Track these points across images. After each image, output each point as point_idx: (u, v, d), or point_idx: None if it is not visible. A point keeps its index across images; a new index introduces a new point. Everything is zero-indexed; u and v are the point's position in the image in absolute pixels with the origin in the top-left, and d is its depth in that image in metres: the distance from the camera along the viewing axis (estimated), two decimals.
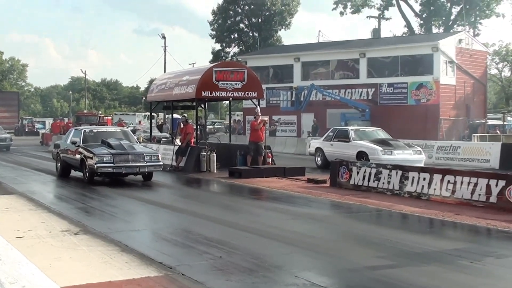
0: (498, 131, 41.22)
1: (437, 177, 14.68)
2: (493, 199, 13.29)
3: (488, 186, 13.43)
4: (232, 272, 8.03)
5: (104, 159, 18.13)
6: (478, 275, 8.07)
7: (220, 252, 9.10)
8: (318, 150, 25.25)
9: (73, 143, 19.72)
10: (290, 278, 7.74)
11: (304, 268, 8.28)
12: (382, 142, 22.83)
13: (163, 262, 8.43)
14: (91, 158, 18.21)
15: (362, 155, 22.12)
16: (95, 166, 18.01)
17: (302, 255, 9.15)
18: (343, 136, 24.13)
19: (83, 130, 20.53)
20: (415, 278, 7.73)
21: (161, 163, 19.20)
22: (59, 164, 21.09)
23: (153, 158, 18.84)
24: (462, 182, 14.02)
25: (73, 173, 20.55)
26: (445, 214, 12.71)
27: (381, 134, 24.55)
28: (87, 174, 18.60)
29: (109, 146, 18.83)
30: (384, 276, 7.83)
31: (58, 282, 6.69)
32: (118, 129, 24.05)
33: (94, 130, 20.91)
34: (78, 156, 19.16)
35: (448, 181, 14.34)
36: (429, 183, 14.82)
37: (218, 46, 73.59)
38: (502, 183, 13.18)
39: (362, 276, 7.91)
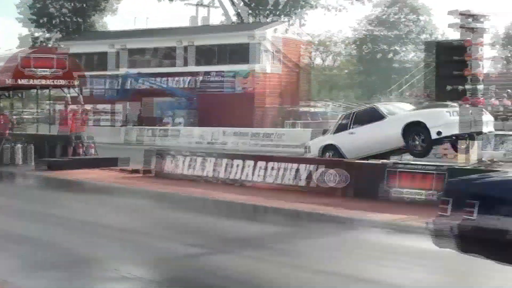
0: (309, 118, 43.35)
1: (249, 163, 15.43)
2: (302, 182, 14.26)
3: (297, 171, 14.36)
4: (46, 268, 7.84)
5: None
6: (287, 255, 8.51)
7: (32, 249, 8.82)
8: (329, 147, 17.97)
9: None
10: (107, 271, 7.74)
11: (121, 260, 8.25)
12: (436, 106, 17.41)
13: None
14: None
15: (413, 129, 16.53)
16: None
17: (119, 248, 9.12)
18: (369, 117, 18.02)
19: None
20: (233, 264, 8.03)
21: None
22: None
23: None
24: (273, 168, 14.86)
25: None
26: (259, 199, 13.25)
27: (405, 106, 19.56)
28: None
29: None
30: (203, 264, 8.04)
31: None
32: None
33: None
34: None
35: (260, 167, 15.13)
36: (242, 170, 15.53)
37: (36, 32, 69.72)
38: (310, 167, 14.15)
39: (180, 266, 8.06)
